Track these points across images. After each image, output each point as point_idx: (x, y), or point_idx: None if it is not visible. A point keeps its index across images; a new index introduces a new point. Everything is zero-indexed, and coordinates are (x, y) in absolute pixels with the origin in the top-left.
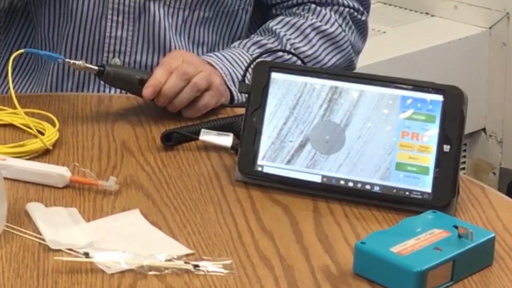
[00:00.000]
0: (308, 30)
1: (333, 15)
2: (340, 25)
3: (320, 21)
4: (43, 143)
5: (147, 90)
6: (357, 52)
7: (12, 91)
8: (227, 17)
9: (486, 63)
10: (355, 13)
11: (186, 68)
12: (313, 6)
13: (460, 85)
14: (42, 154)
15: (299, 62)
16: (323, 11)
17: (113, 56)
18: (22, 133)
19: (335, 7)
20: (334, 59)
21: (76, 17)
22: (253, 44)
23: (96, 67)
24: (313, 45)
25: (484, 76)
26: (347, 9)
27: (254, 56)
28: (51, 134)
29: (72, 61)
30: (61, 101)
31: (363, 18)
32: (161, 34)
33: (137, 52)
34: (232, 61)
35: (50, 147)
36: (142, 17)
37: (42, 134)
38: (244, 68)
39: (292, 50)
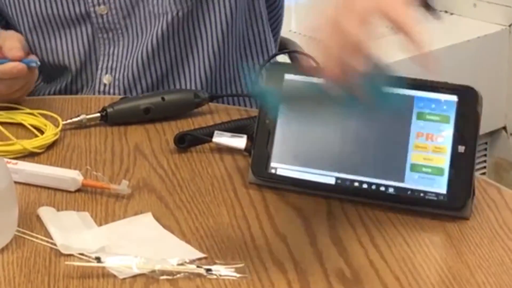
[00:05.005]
0: None
1: None
2: None
3: None
4: (23, 147)
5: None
6: None
7: None
8: None
9: (506, 61)
10: None
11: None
12: None
13: (480, 84)
14: (54, 158)
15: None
16: None
17: (106, 73)
18: (27, 132)
19: None
20: None
21: (75, 52)
22: None
23: (98, 114)
24: None
25: (504, 74)
26: None
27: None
28: (47, 135)
29: (69, 121)
30: (73, 103)
31: None
32: (149, 44)
33: (128, 66)
34: None
35: (39, 151)
36: (128, 30)
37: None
38: None
39: None
